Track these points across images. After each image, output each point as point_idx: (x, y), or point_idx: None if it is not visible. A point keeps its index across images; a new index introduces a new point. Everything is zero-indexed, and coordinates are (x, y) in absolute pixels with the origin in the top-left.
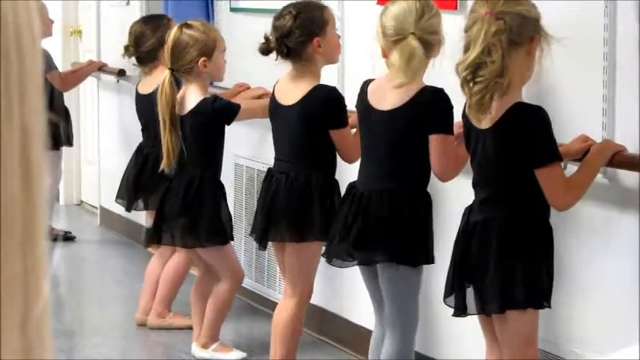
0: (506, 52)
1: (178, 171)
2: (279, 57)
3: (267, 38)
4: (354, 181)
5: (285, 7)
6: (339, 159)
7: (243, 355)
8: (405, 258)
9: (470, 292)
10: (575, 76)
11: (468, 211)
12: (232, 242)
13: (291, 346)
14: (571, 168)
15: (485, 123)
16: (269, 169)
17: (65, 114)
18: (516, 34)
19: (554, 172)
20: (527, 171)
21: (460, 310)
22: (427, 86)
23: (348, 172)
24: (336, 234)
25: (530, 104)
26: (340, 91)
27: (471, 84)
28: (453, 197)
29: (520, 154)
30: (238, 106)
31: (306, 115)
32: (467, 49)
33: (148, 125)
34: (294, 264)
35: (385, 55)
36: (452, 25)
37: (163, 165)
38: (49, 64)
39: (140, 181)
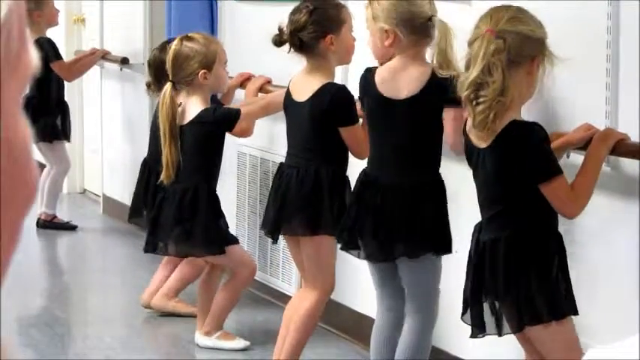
0: (507, 71)
1: (174, 180)
2: (292, 50)
3: (280, 30)
4: (366, 169)
5: (303, 1)
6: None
7: (247, 343)
8: (427, 247)
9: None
10: (578, 64)
11: (478, 228)
12: (236, 230)
13: (304, 337)
14: (574, 157)
15: (484, 142)
16: (281, 164)
17: (63, 108)
18: (516, 54)
19: (557, 186)
20: (528, 187)
21: (478, 329)
22: (436, 74)
23: (359, 168)
24: (351, 224)
25: (525, 121)
26: (344, 82)
27: (473, 103)
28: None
29: (518, 171)
30: (238, 112)
31: (316, 113)
32: (468, 65)
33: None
34: (312, 258)
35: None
36: (467, 16)
37: (163, 177)
38: (54, 54)
39: (147, 195)
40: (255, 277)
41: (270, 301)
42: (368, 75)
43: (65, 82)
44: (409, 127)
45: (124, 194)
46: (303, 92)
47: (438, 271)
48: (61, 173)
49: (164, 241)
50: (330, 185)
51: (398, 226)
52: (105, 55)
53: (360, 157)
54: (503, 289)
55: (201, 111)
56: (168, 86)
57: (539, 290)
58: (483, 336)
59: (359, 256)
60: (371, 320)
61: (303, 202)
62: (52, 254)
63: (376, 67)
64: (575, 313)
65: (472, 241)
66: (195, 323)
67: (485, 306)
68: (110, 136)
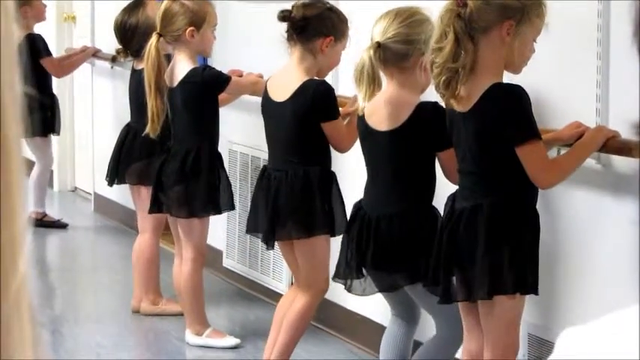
0: (463, 37)
1: (175, 143)
2: (289, 32)
3: (293, 7)
4: (360, 201)
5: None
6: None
7: (237, 341)
8: (424, 277)
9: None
10: (569, 62)
11: (452, 198)
12: (227, 227)
13: (296, 336)
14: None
15: (464, 106)
16: (264, 167)
17: (52, 102)
18: (479, 20)
19: (534, 150)
20: (509, 153)
21: (447, 298)
22: (422, 102)
23: (340, 162)
24: (348, 258)
25: (508, 83)
26: (335, 80)
27: (432, 69)
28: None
29: (499, 134)
30: (228, 77)
31: (298, 112)
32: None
33: (133, 100)
34: (306, 259)
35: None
36: None
37: (148, 129)
38: (43, 50)
39: (121, 154)
40: (246, 275)
41: (261, 299)
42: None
43: (54, 78)
44: (393, 159)
45: (116, 192)
46: (282, 91)
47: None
48: (45, 169)
49: (167, 202)
50: (320, 185)
51: (390, 256)
52: (96, 53)
53: (341, 150)
54: (481, 254)
55: (190, 70)
56: (154, 38)
57: (511, 261)
58: (451, 303)
59: (362, 294)
60: (363, 318)
61: (295, 205)
62: (43, 252)
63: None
64: (536, 293)
65: (445, 210)
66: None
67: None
68: (101, 134)
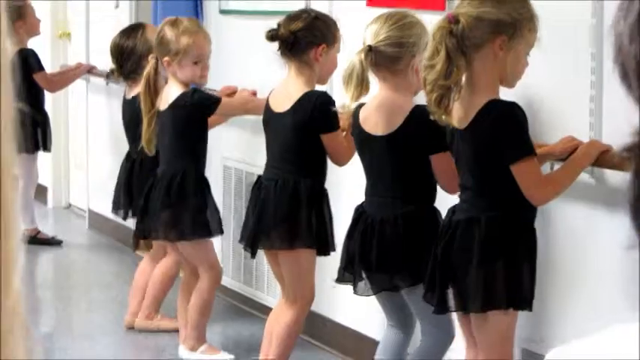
0: (455, 54)
1: (162, 166)
2: (281, 49)
3: (279, 25)
4: (362, 205)
5: (304, 9)
6: (329, 165)
7: (231, 357)
8: (419, 278)
9: (450, 290)
10: (563, 76)
11: (452, 211)
12: (222, 243)
13: (287, 350)
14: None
15: (461, 123)
16: (259, 177)
17: (44, 118)
18: (471, 37)
19: (528, 168)
20: (506, 170)
21: (441, 308)
22: (417, 106)
23: (336, 178)
24: (350, 260)
25: (503, 101)
26: (330, 93)
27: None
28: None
29: (495, 152)
30: (218, 99)
31: (298, 122)
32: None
33: (130, 128)
34: (290, 271)
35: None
36: None
37: (144, 145)
38: (36, 65)
39: (131, 187)
40: (240, 291)
41: (254, 315)
42: (356, 111)
43: (47, 94)
44: (392, 163)
45: (110, 209)
46: (283, 103)
47: None
48: (28, 186)
49: (155, 226)
50: (309, 198)
51: (394, 258)
52: (90, 70)
53: (340, 164)
54: (476, 267)
55: (180, 94)
56: (152, 61)
57: (506, 276)
58: (445, 313)
59: (365, 294)
60: (353, 332)
61: (281, 214)
62: (37, 269)
63: (364, 104)
64: (530, 309)
65: (444, 221)
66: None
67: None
68: (96, 151)
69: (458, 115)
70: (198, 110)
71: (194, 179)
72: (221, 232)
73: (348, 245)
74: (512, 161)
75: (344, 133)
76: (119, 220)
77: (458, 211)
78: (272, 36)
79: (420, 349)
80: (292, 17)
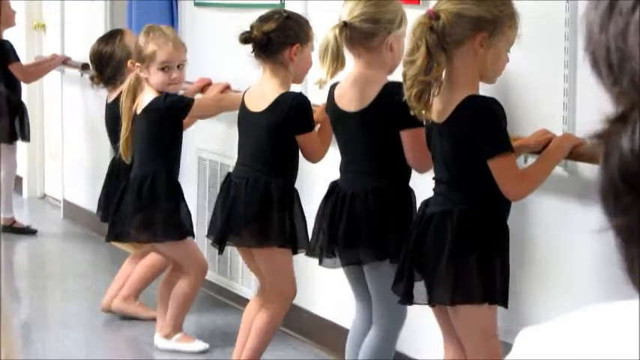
0: (435, 50)
1: (135, 170)
2: (255, 51)
3: (251, 27)
4: (336, 180)
5: (275, 9)
6: (300, 165)
7: (206, 345)
8: (392, 255)
9: (419, 283)
10: (537, 69)
11: (425, 204)
12: (196, 235)
13: (265, 342)
14: (531, 161)
15: (439, 118)
16: (228, 174)
17: (21, 109)
18: (451, 33)
19: (505, 163)
20: (482, 165)
21: (407, 299)
22: (390, 82)
23: (306, 178)
24: (320, 233)
25: (481, 96)
26: (304, 89)
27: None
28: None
29: (472, 147)
30: (191, 100)
31: (273, 123)
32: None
33: (112, 132)
34: (267, 269)
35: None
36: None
37: (122, 151)
38: (12, 56)
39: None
40: (215, 281)
41: (229, 305)
42: (331, 89)
43: (23, 84)
44: (364, 139)
45: (85, 199)
46: (259, 103)
47: None
48: (8, 176)
49: (126, 228)
50: (280, 197)
51: (355, 231)
52: (65, 61)
53: (313, 161)
54: (446, 260)
55: (153, 99)
56: (133, 77)
57: (478, 271)
58: (411, 304)
59: (332, 266)
60: (331, 324)
61: (252, 213)
62: (12, 259)
63: (338, 83)
64: (505, 306)
65: (417, 213)
66: (155, 327)
67: (419, 276)
68: (71, 141)
69: (437, 109)
70: (171, 114)
71: (165, 182)
72: (192, 235)
73: (320, 219)
74: (489, 156)
75: (317, 126)
76: (94, 210)
77: (431, 204)
78: (245, 39)
79: (371, 340)
80: (264, 19)
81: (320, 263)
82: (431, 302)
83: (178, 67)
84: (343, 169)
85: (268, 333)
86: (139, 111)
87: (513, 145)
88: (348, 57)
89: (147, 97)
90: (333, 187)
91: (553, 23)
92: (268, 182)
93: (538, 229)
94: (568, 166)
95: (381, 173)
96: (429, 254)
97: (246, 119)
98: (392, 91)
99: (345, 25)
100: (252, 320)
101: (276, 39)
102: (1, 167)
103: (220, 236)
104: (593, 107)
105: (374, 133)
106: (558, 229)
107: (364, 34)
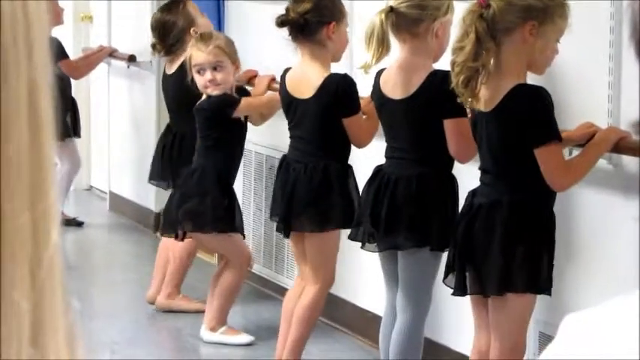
0: (485, 37)
1: (193, 162)
2: (293, 34)
3: (287, 9)
4: (380, 165)
5: None
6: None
7: (251, 338)
8: (433, 242)
9: (469, 273)
10: (581, 63)
11: (472, 194)
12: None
13: (307, 332)
14: (576, 154)
15: (487, 106)
16: (284, 157)
17: (72, 105)
18: (501, 21)
19: (552, 152)
20: (530, 154)
21: (460, 291)
22: (435, 70)
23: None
24: (364, 218)
25: (531, 85)
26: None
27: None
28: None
29: (520, 135)
30: (237, 99)
31: (323, 108)
32: None
33: (172, 103)
34: (316, 252)
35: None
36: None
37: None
38: (60, 53)
39: (171, 160)
40: (261, 274)
41: (274, 297)
42: (377, 76)
43: (72, 80)
44: (409, 126)
45: (131, 191)
46: (304, 89)
47: (435, 267)
48: (71, 171)
49: (178, 219)
50: (338, 180)
51: (396, 216)
52: (112, 53)
53: (360, 145)
54: (496, 250)
55: (202, 99)
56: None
57: (523, 260)
58: (465, 295)
59: (374, 250)
60: (373, 316)
61: (312, 198)
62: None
63: (385, 69)
64: (549, 294)
65: (464, 204)
66: (200, 318)
67: (469, 267)
68: (117, 133)
69: (484, 98)
70: (216, 113)
71: (214, 177)
72: (242, 233)
73: (364, 203)
74: (537, 144)
75: (364, 116)
76: (139, 201)
77: (479, 194)
78: (282, 22)
79: (399, 329)
80: (298, 0)
81: (362, 247)
82: (482, 293)
83: (216, 68)
84: (388, 154)
85: (310, 321)
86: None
87: None
88: (394, 43)
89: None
90: (377, 171)
91: (598, 16)
92: (327, 166)
93: (582, 221)
94: (612, 159)
95: (424, 160)
96: (479, 245)
97: (293, 106)
98: (437, 79)
99: (391, 10)
100: (292, 309)
101: (313, 19)
102: (65, 163)
103: (283, 222)
104: (637, 100)
105: (418, 120)
106: (602, 222)
107: (410, 20)
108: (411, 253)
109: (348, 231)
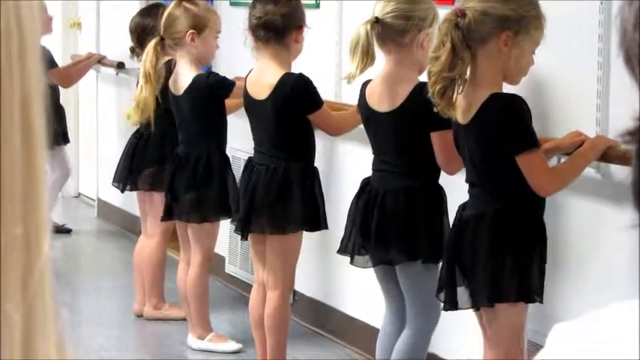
0: (460, 47)
1: (184, 149)
2: (263, 35)
3: (263, 11)
4: (368, 177)
5: None
6: (332, 161)
7: (239, 346)
8: (424, 255)
9: (461, 287)
10: (570, 71)
11: (462, 207)
12: (229, 234)
13: (282, 336)
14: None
15: (464, 117)
16: (249, 159)
17: (60, 112)
18: (476, 31)
19: (533, 159)
20: (510, 163)
21: (450, 305)
22: (421, 82)
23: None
24: (352, 232)
25: (505, 94)
26: (339, 89)
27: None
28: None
29: (499, 144)
30: (233, 82)
31: (279, 108)
32: None
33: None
34: (277, 255)
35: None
36: None
37: (130, 112)
38: (49, 62)
39: (132, 161)
40: (247, 281)
41: None
42: (363, 87)
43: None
44: (396, 138)
45: (119, 198)
46: (261, 89)
47: (431, 279)
48: (61, 178)
49: (179, 208)
50: (301, 182)
51: (386, 231)
52: (101, 60)
53: (336, 134)
54: (484, 261)
55: (195, 77)
56: (155, 40)
57: (513, 270)
58: (456, 310)
59: (364, 266)
60: (360, 322)
61: (272, 201)
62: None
63: (370, 80)
64: (541, 301)
65: (455, 218)
66: (187, 324)
67: (460, 281)
68: (105, 141)
69: (461, 108)
70: (215, 92)
71: (218, 160)
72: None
73: (353, 217)
74: (517, 152)
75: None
76: (127, 209)
77: (467, 207)
78: (264, 23)
79: (405, 339)
80: (267, 5)
81: (351, 262)
82: (474, 306)
83: None
84: (375, 167)
85: (283, 327)
86: (179, 91)
87: (547, 147)
88: (380, 54)
89: (185, 76)
90: (365, 184)
91: (587, 24)
92: (288, 167)
93: (571, 231)
94: (601, 168)
95: (412, 172)
96: (467, 258)
97: (253, 107)
98: (423, 91)
99: (376, 21)
100: (260, 315)
101: (288, 22)
102: (56, 170)
103: (243, 223)
104: (626, 109)
105: (405, 132)
106: (591, 232)
107: (395, 31)
108: (405, 267)
109: (313, 235)
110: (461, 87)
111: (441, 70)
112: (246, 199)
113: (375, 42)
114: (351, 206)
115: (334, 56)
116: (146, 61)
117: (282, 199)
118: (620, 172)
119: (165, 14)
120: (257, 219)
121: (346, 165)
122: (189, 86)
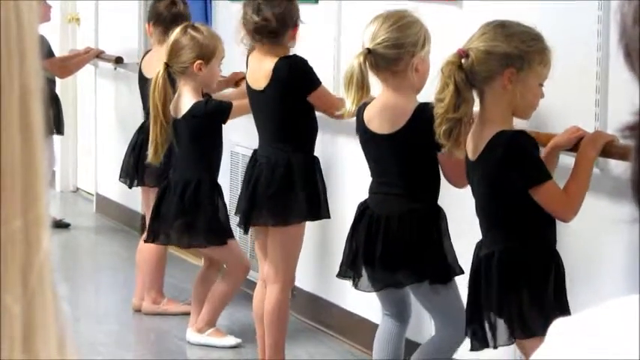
0: (463, 88)
1: (175, 173)
2: (261, 34)
3: (262, 11)
4: (366, 201)
5: None
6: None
7: (238, 341)
8: (431, 277)
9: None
10: (568, 67)
11: (479, 246)
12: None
13: (282, 332)
14: (563, 158)
15: (473, 155)
16: (254, 152)
17: (56, 102)
18: (480, 70)
19: (548, 190)
20: (517, 200)
21: (482, 343)
22: (421, 104)
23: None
24: (351, 255)
25: (509, 131)
26: (337, 84)
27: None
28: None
29: (506, 181)
30: (229, 105)
31: (280, 93)
32: None
33: (146, 101)
34: (277, 248)
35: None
36: (454, 18)
37: (151, 159)
38: (47, 51)
39: (140, 157)
40: (249, 277)
41: None
42: (360, 110)
43: (57, 79)
44: (397, 161)
45: (117, 193)
46: (259, 78)
47: (454, 294)
48: (46, 170)
49: (166, 231)
50: (303, 172)
51: (392, 254)
52: (99, 55)
53: (335, 116)
54: (497, 303)
55: (194, 104)
56: (161, 68)
57: (531, 305)
58: (482, 349)
59: (367, 290)
60: (360, 318)
61: (274, 193)
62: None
63: (368, 103)
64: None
65: (473, 257)
66: (187, 320)
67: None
68: (104, 135)
69: (470, 147)
70: (213, 119)
71: (208, 187)
72: (232, 236)
73: (351, 241)
74: (531, 186)
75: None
76: (126, 203)
77: (483, 246)
78: (260, 28)
79: (433, 341)
80: (271, 3)
81: (355, 287)
82: (495, 345)
83: None
84: (374, 189)
85: (281, 322)
86: (178, 115)
87: (545, 144)
88: (375, 81)
89: (186, 101)
90: (364, 208)
91: (585, 21)
92: (289, 158)
93: (569, 225)
94: (599, 163)
95: (413, 195)
96: (484, 296)
97: (254, 98)
98: (424, 113)
99: (369, 52)
100: (262, 311)
101: (284, 22)
102: None
103: (245, 216)
104: (625, 104)
105: (406, 155)
106: (590, 227)
107: (389, 60)
108: (416, 287)
109: (312, 224)
110: (469, 126)
111: (445, 111)
112: (248, 192)
113: (369, 71)
114: (350, 230)
115: (333, 51)
116: (155, 92)
117: (284, 191)
118: (619, 168)
119: (171, 41)
120: (259, 212)
121: (346, 155)
122: (188, 112)
